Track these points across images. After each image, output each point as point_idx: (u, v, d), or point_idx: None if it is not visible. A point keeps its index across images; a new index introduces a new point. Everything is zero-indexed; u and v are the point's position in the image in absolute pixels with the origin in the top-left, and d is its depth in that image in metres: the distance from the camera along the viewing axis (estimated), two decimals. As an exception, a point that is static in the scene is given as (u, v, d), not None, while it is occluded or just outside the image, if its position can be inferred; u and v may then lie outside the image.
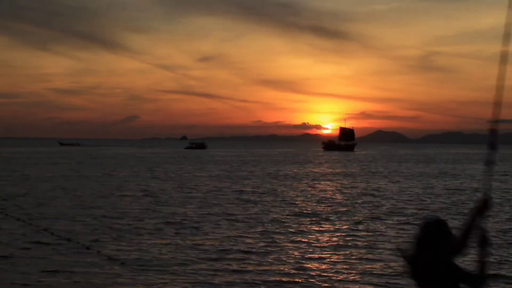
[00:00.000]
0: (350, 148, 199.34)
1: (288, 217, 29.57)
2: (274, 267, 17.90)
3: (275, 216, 29.74)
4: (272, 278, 16.62)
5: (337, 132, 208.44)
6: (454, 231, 5.43)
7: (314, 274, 17.23)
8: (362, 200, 38.35)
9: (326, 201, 37.58)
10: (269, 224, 26.60)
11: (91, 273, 16.71)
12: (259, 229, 25.27)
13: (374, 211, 32.24)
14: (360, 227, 26.49)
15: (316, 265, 18.44)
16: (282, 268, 17.81)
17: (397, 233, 24.66)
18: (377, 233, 24.62)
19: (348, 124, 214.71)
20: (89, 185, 46.43)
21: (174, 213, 30.37)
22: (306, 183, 53.58)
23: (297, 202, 36.55)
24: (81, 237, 21.99)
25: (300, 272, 17.45)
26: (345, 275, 17.11)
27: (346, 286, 16.07)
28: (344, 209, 33.15)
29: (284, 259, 19.17)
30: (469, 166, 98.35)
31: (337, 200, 38.57)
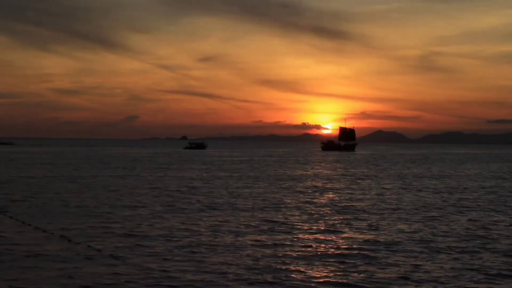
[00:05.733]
0: (350, 148, 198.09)
1: (255, 224, 27.73)
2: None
3: (239, 223, 28.23)
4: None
5: (337, 132, 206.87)
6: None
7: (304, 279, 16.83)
8: (337, 207, 37.79)
9: (304, 208, 36.44)
10: (231, 233, 25.01)
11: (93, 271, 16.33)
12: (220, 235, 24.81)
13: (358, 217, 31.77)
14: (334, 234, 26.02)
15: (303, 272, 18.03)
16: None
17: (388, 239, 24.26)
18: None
19: (348, 124, 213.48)
20: (68, 186, 46.02)
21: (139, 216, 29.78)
22: (291, 187, 53.06)
23: (269, 208, 33.79)
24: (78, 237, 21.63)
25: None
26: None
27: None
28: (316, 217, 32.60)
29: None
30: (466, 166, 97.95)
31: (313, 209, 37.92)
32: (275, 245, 21.31)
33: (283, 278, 16.41)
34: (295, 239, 22.59)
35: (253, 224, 26.45)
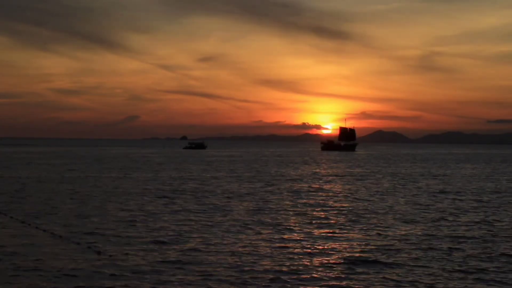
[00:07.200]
0: (351, 148, 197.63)
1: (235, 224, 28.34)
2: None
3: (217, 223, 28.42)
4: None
5: (337, 132, 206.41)
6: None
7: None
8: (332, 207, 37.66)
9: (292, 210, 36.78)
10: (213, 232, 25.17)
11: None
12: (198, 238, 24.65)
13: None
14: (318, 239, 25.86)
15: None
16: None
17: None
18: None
19: (348, 124, 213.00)
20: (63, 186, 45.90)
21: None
22: (284, 188, 52.90)
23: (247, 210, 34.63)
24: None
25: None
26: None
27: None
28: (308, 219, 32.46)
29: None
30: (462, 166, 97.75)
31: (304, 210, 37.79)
32: (274, 247, 21.12)
33: (281, 283, 16.26)
34: (293, 241, 22.39)
35: (251, 226, 26.23)
